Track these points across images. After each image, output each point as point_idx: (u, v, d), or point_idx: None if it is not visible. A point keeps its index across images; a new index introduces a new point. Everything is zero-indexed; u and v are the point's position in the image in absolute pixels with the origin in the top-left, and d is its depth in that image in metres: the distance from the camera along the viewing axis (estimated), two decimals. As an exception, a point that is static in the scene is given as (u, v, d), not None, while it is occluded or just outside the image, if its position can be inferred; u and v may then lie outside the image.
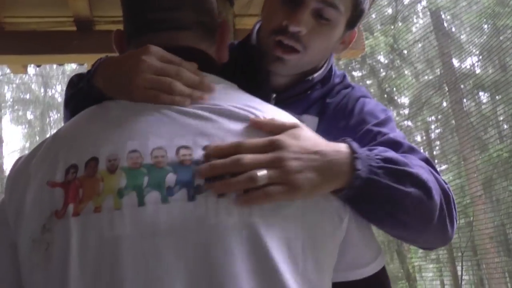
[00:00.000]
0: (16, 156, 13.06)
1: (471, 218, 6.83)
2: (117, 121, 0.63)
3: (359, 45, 2.27)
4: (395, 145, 0.79)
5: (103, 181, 0.57)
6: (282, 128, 0.64)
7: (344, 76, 1.05)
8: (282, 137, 0.62)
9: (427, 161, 0.77)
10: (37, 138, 12.90)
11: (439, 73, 7.36)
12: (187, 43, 0.73)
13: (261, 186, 0.58)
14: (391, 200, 0.66)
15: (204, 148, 0.59)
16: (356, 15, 0.93)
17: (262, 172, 0.58)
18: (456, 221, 0.75)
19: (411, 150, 0.80)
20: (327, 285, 0.62)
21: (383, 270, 0.70)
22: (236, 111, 0.64)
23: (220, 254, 0.55)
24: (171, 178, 0.57)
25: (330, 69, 1.01)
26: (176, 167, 0.58)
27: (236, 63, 0.93)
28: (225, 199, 0.57)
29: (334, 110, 0.96)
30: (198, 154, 0.59)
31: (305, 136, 0.65)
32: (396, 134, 0.85)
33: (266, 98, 0.81)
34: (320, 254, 0.60)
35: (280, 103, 0.86)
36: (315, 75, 0.97)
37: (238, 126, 0.62)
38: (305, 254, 0.58)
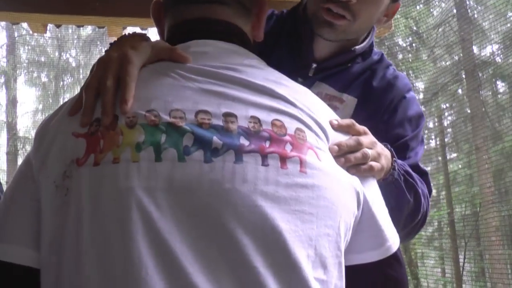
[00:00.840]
0: (29, 117, 13.20)
1: (478, 208, 6.83)
2: (140, 82, 0.64)
3: (387, 24, 2.21)
4: (414, 167, 0.98)
5: (123, 134, 0.59)
6: (360, 132, 0.75)
7: (382, 55, 1.06)
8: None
9: (426, 177, 1.01)
10: (50, 101, 12.97)
11: (457, 59, 7.23)
12: (223, 18, 0.73)
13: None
14: (398, 198, 0.88)
15: (224, 114, 0.60)
16: None
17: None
18: (413, 237, 1.07)
19: (422, 174, 1.00)
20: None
21: (387, 260, 0.68)
22: (260, 83, 0.65)
23: (231, 219, 0.55)
24: (188, 137, 0.58)
25: (372, 44, 1.02)
26: (194, 127, 0.59)
27: (281, 32, 0.94)
28: (242, 164, 0.57)
29: (379, 99, 1.00)
30: (218, 120, 0.60)
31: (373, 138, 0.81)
32: (418, 156, 1.02)
33: (306, 67, 0.83)
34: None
35: (320, 73, 0.89)
36: (357, 47, 0.98)
37: (259, 99, 0.63)
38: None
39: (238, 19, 0.75)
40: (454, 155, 7.88)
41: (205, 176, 0.56)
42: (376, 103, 1.00)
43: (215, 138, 0.58)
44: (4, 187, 1.61)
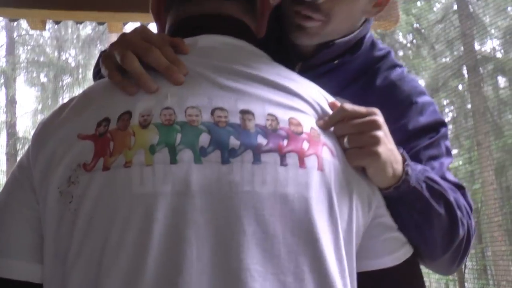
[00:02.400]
0: (28, 117, 13.19)
1: (479, 204, 6.81)
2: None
3: (394, 16, 2.15)
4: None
5: (135, 135, 0.55)
6: (362, 115, 0.67)
7: (388, 53, 0.95)
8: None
9: (463, 190, 0.82)
10: (49, 102, 12.97)
11: (458, 55, 7.22)
12: (231, 13, 0.71)
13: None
14: (424, 213, 0.71)
15: (241, 111, 0.58)
16: None
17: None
18: (464, 261, 0.83)
19: (456, 187, 0.83)
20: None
21: (396, 268, 0.67)
22: (274, 80, 0.63)
23: (252, 223, 0.53)
24: (204, 137, 0.55)
25: (363, 38, 0.92)
26: (210, 127, 0.56)
27: (269, 34, 0.88)
28: (261, 165, 0.55)
29: (381, 104, 0.78)
30: (235, 117, 0.57)
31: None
32: (444, 167, 0.86)
33: (291, 67, 0.77)
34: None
35: (308, 72, 0.81)
36: (338, 40, 0.88)
37: (275, 96, 0.61)
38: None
39: (245, 15, 0.73)
40: (455, 151, 7.86)
41: (224, 178, 0.54)
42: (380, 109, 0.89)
43: (232, 138, 0.56)
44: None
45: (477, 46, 6.98)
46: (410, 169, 0.69)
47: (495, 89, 6.55)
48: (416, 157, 0.81)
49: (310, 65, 0.88)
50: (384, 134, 0.65)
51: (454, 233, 0.74)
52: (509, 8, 6.71)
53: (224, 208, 0.54)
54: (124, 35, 0.67)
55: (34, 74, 13.39)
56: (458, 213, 0.75)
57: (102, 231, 0.53)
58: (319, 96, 0.67)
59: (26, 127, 12.89)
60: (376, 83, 0.89)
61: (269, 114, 0.59)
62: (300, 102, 0.63)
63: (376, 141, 0.63)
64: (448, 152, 0.88)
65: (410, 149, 0.81)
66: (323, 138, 0.61)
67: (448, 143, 0.89)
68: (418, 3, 7.80)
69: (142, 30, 0.67)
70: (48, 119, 0.65)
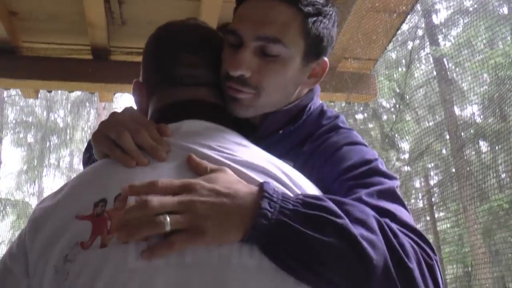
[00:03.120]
0: (12, 178, 12.97)
1: (469, 268, 6.73)
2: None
3: (371, 90, 2.30)
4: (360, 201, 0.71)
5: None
6: (204, 171, 0.64)
7: (336, 118, 0.93)
8: (196, 180, 0.61)
9: (405, 225, 0.68)
10: (35, 162, 12.84)
11: (439, 119, 7.43)
12: (209, 99, 0.81)
13: (168, 234, 0.56)
14: (304, 248, 0.59)
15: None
16: (312, 43, 0.85)
17: (167, 217, 0.56)
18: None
19: (411, 230, 0.69)
20: None
21: None
22: (255, 163, 0.70)
23: None
24: None
25: (304, 107, 0.93)
26: None
27: None
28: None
29: (308, 157, 0.86)
30: None
31: (223, 179, 0.62)
32: (386, 185, 0.76)
33: (246, 138, 0.79)
34: None
35: (260, 144, 0.82)
36: (274, 110, 0.89)
37: (257, 177, 0.67)
38: None
39: (219, 99, 0.83)
40: (442, 214, 7.87)
41: (214, 250, 0.57)
42: (306, 161, 0.85)
43: None
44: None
45: (457, 111, 7.22)
46: (267, 202, 0.59)
47: (478, 153, 6.69)
48: (346, 193, 0.74)
49: (260, 136, 0.89)
50: (200, 195, 0.59)
51: (361, 259, 0.60)
52: (485, 75, 7.02)
53: (214, 279, 0.55)
54: (114, 116, 0.75)
55: (21, 135, 13.35)
56: (356, 234, 0.60)
57: None
58: (298, 177, 0.72)
59: (9, 188, 12.64)
60: (318, 145, 0.87)
61: None
62: (280, 184, 0.67)
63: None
64: (380, 182, 0.77)
65: (340, 189, 0.76)
66: None
67: (382, 174, 0.79)
68: (400, 69, 8.12)
69: (131, 112, 0.75)
70: (44, 203, 0.67)
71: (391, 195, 0.74)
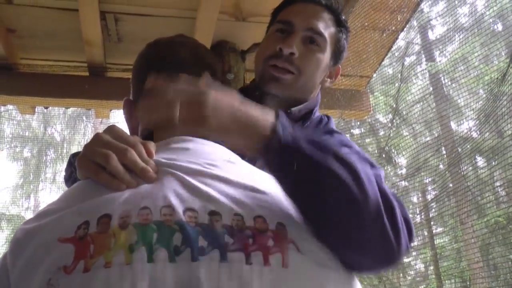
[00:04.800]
0: (8, 192, 12.89)
1: (468, 283, 6.69)
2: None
3: (365, 107, 2.32)
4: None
5: (115, 237, 0.58)
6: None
7: (325, 117, 1.13)
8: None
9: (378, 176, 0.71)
10: (31, 177, 12.78)
11: (436, 135, 7.46)
12: None
13: None
14: (311, 170, 0.62)
15: (210, 213, 0.61)
16: (338, 49, 1.08)
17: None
18: (406, 238, 0.68)
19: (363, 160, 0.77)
20: None
21: None
22: (240, 181, 0.68)
23: None
24: (177, 237, 0.58)
25: (311, 110, 1.08)
26: (182, 226, 0.59)
27: None
28: (227, 264, 0.57)
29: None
30: (203, 217, 0.61)
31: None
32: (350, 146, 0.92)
33: None
34: None
35: None
36: (293, 108, 1.03)
37: (242, 196, 0.65)
38: None
39: None
40: (440, 229, 7.85)
41: (193, 275, 0.56)
42: None
43: (200, 237, 0.59)
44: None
45: (454, 127, 7.25)
46: (281, 126, 0.64)
47: (475, 169, 6.70)
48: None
49: None
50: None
51: (360, 192, 0.61)
52: (481, 91, 7.07)
53: None
54: (98, 137, 0.72)
55: (18, 149, 13.30)
56: (358, 168, 0.63)
57: None
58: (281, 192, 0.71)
59: (4, 202, 12.56)
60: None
61: (235, 214, 0.62)
62: (266, 201, 0.66)
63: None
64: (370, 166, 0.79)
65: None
66: (290, 235, 0.63)
67: (371, 164, 0.84)
68: (396, 84, 8.16)
69: (115, 131, 0.72)
70: (27, 224, 0.66)
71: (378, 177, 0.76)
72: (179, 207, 0.61)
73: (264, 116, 0.66)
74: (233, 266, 0.57)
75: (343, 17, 1.11)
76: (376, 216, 0.63)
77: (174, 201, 0.62)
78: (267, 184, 0.70)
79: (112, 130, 0.72)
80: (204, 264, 0.57)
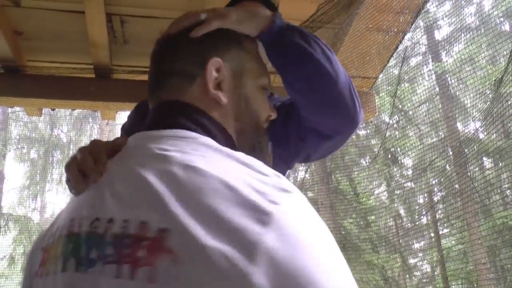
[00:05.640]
0: (15, 193, 12.99)
1: (474, 285, 6.65)
2: (83, 194, 0.69)
3: (371, 108, 2.30)
4: None
5: (58, 246, 0.64)
6: None
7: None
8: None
9: None
10: (38, 178, 12.85)
11: (443, 135, 7.42)
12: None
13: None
14: (300, 50, 0.89)
15: (125, 221, 0.57)
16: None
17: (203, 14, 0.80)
18: (361, 109, 0.98)
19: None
20: None
21: None
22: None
23: None
24: (75, 247, 0.61)
25: None
26: (88, 236, 0.59)
27: None
28: (102, 277, 0.54)
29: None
30: (101, 227, 0.58)
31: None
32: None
33: None
34: None
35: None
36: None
37: (129, 203, 0.63)
38: None
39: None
40: (447, 230, 7.81)
41: (77, 285, 0.58)
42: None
43: (85, 247, 0.58)
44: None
45: (460, 128, 7.21)
46: (278, 19, 0.90)
47: (481, 170, 6.66)
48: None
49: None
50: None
51: (334, 70, 0.91)
52: (487, 91, 7.02)
53: None
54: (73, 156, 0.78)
55: (25, 150, 13.39)
56: (332, 57, 0.92)
57: None
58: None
59: (11, 203, 12.65)
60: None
61: (124, 221, 0.57)
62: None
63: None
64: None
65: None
66: (170, 242, 0.52)
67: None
68: (402, 85, 8.13)
69: (90, 145, 0.75)
70: (39, 235, 0.75)
71: None
72: (89, 218, 0.61)
73: (266, 12, 0.94)
74: (106, 280, 0.54)
75: None
76: (347, 86, 0.93)
77: (88, 212, 0.63)
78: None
79: (90, 144, 0.76)
80: (84, 275, 0.57)
